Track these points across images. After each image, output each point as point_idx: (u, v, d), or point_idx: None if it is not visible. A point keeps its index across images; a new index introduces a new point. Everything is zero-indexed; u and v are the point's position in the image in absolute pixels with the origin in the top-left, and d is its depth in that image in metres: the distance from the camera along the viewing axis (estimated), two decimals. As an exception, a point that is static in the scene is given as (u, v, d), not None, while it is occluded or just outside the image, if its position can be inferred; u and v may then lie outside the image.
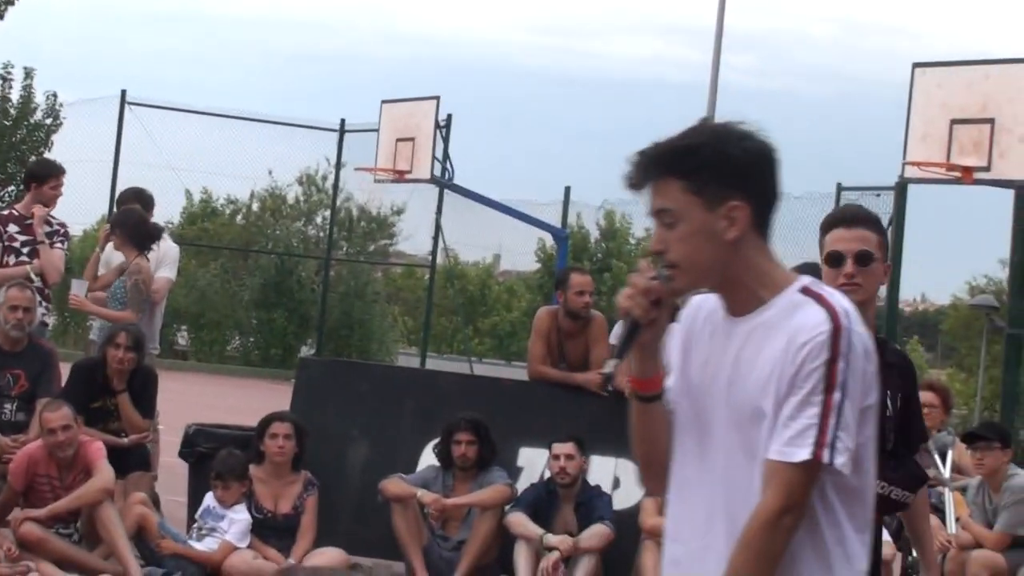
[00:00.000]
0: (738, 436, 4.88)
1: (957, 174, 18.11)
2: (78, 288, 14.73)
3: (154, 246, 14.72)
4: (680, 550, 5.10)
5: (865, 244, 7.09)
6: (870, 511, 4.95)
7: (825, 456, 4.60)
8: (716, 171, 4.85)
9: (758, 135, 4.97)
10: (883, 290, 7.42)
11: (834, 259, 7.07)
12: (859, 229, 7.16)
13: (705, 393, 5.01)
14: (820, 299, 4.79)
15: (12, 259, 14.67)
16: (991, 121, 17.85)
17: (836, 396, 4.67)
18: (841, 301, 4.80)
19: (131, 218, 14.71)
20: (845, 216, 7.46)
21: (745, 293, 4.93)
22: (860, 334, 4.75)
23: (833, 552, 4.87)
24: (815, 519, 4.80)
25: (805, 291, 4.84)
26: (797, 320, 4.75)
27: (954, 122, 18.10)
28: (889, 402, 6.96)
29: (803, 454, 4.59)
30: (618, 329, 14.11)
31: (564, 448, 13.08)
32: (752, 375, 4.79)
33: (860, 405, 4.75)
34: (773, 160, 4.97)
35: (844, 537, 4.87)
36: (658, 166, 4.90)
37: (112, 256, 15.00)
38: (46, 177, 15.19)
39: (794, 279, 4.93)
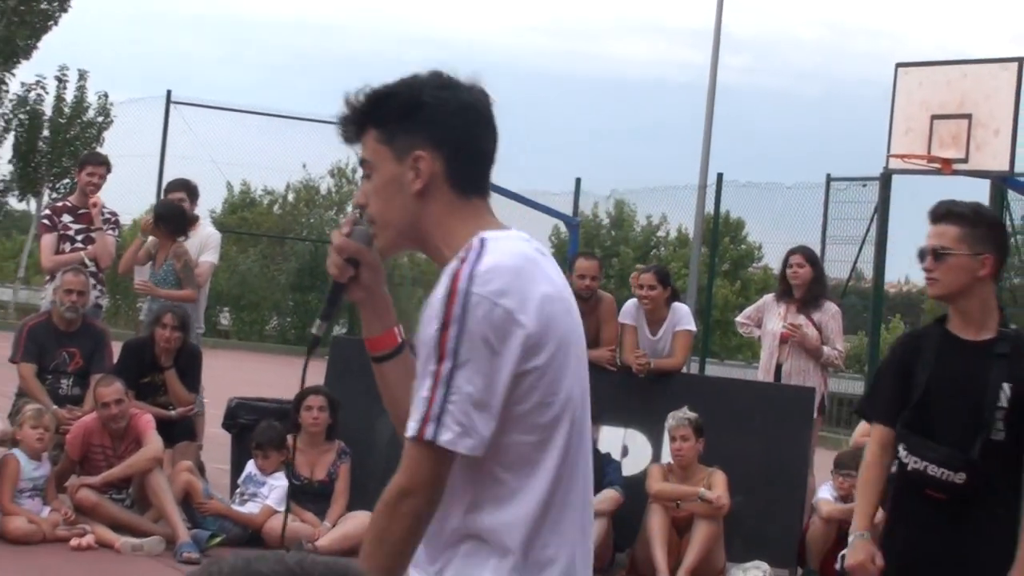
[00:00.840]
0: None
1: (937, 165, 18.10)
2: (141, 274, 14.81)
3: (190, 232, 14.80)
4: None
5: (941, 240, 6.85)
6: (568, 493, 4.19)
7: (428, 432, 4.01)
8: (405, 120, 4.38)
9: (464, 85, 4.42)
10: (868, 272, 7.28)
11: (919, 255, 6.98)
12: (940, 225, 6.93)
13: None
14: (463, 259, 4.15)
15: (67, 246, 14.74)
16: (968, 117, 17.85)
17: (445, 366, 4.08)
18: (485, 260, 4.13)
19: (167, 209, 14.81)
20: (932, 212, 7.10)
21: (434, 251, 4.46)
22: (483, 296, 4.05)
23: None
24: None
25: (466, 248, 4.19)
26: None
27: (934, 118, 18.10)
28: (1001, 392, 6.72)
29: (412, 429, 4.06)
30: (628, 308, 14.22)
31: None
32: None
33: (500, 372, 4.05)
34: (475, 110, 4.43)
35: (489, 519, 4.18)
36: (358, 116, 4.48)
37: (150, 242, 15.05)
38: (82, 165, 15.41)
39: (476, 235, 4.27)
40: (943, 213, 6.96)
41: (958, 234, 6.80)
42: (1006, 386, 6.73)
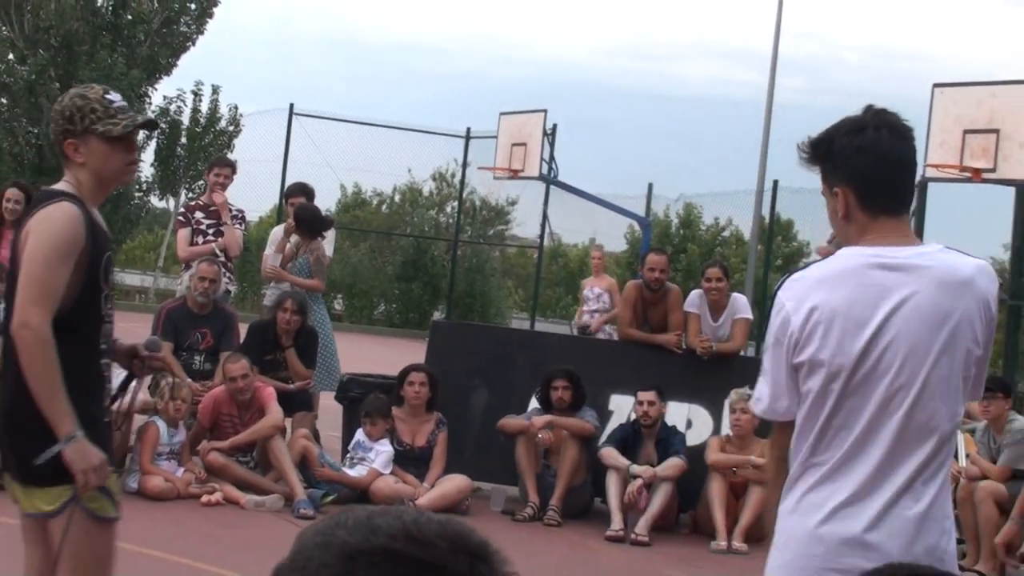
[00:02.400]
0: None
1: (968, 175, 17.96)
2: (274, 260, 14.95)
3: (325, 233, 15.07)
4: None
5: None
6: None
7: None
8: (826, 162, 4.80)
9: (871, 126, 4.74)
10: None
11: None
12: None
13: None
14: None
15: (200, 239, 14.87)
16: (997, 131, 17.70)
17: None
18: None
19: (308, 212, 15.04)
20: None
21: None
22: None
23: None
24: None
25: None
26: None
27: (966, 132, 17.95)
28: None
29: None
30: (693, 298, 14.19)
31: (647, 395, 13.10)
32: None
33: None
34: (870, 151, 4.71)
35: None
36: (807, 158, 4.89)
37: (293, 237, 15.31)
38: (211, 166, 15.77)
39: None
40: None
41: None
42: None
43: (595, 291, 21.70)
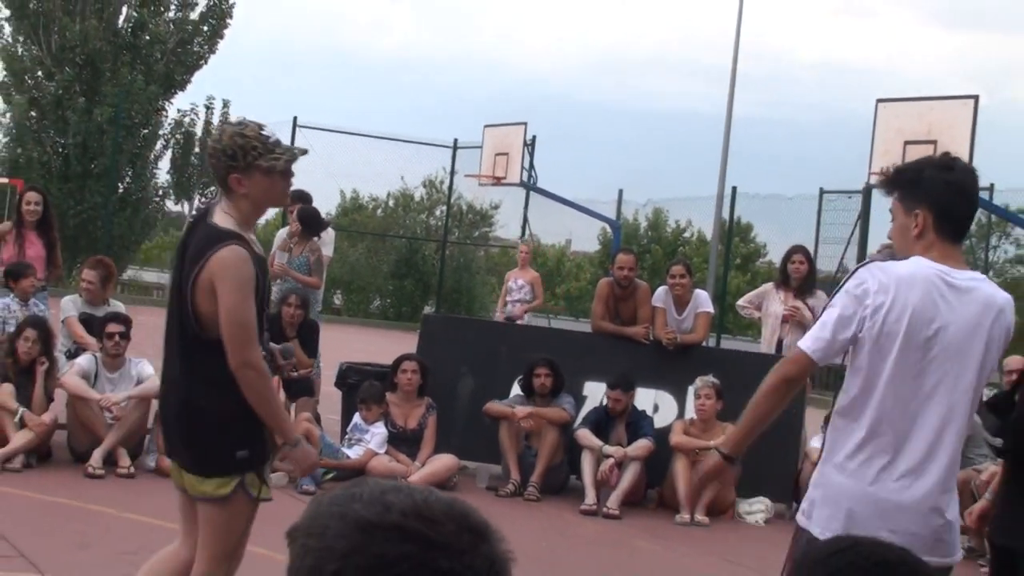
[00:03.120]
0: None
1: (910, 181, 18.03)
2: (280, 258, 14.97)
3: (322, 234, 15.15)
4: None
5: None
6: None
7: None
8: (913, 188, 5.28)
9: (958, 167, 5.33)
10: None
11: None
12: None
13: None
14: None
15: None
16: (935, 143, 17.76)
17: None
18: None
19: (310, 212, 15.12)
20: None
21: None
22: None
23: None
24: None
25: None
26: None
27: (907, 143, 18.01)
28: None
29: None
30: (659, 294, 14.23)
31: (614, 393, 13.17)
32: None
33: None
34: (956, 187, 5.28)
35: None
36: (888, 181, 5.40)
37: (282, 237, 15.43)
38: None
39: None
40: None
41: None
42: None
43: (519, 283, 21.69)
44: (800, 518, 5.27)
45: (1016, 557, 6.49)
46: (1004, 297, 5.21)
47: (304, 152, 6.18)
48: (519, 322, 20.47)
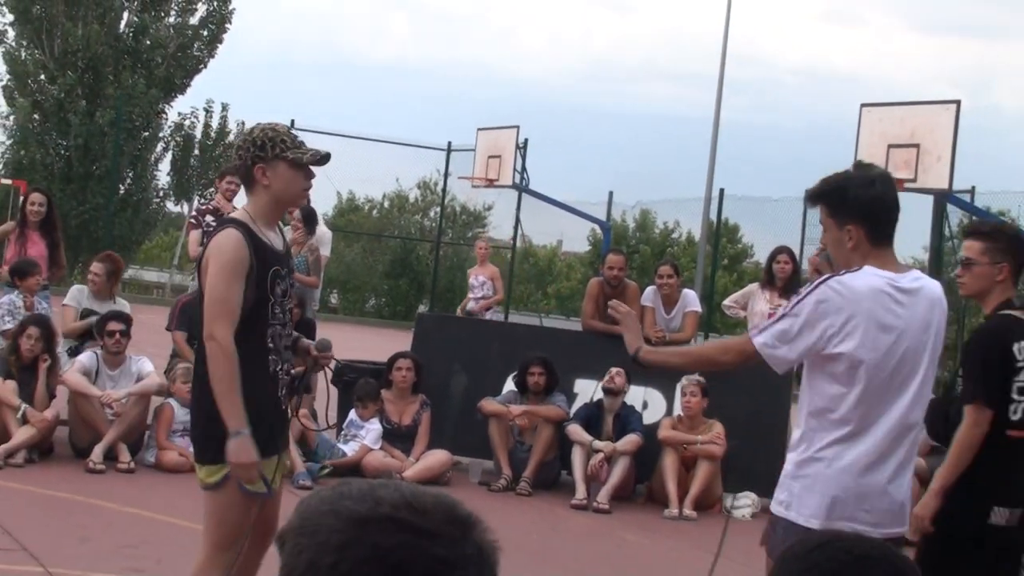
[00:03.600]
0: None
1: (893, 184, 18.05)
2: None
3: (320, 234, 15.34)
4: None
5: (968, 252, 6.79)
6: None
7: None
8: (841, 204, 5.58)
9: (879, 179, 5.62)
10: None
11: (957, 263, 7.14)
12: (968, 240, 6.94)
13: None
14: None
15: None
16: (917, 146, 17.80)
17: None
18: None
19: (308, 210, 15.24)
20: (964, 230, 7.38)
21: None
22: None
23: None
24: None
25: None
26: None
27: (890, 146, 18.03)
28: None
29: None
30: (648, 293, 14.23)
31: (616, 368, 13.14)
32: None
33: None
34: (880, 199, 5.58)
35: None
36: (814, 196, 5.68)
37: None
38: (223, 175, 15.71)
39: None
40: (972, 231, 7.03)
41: (981, 248, 6.72)
42: None
43: (479, 279, 21.58)
44: (778, 508, 5.49)
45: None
46: (938, 286, 5.65)
47: (328, 156, 6.26)
48: (483, 317, 20.38)
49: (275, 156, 6.03)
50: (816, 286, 5.41)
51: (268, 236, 6.12)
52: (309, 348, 6.57)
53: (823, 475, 5.38)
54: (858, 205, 5.52)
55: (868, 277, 5.38)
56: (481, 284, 21.28)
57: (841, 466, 5.36)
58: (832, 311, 5.32)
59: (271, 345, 6.11)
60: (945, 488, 6.52)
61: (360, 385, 13.33)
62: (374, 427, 13.11)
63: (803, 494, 5.41)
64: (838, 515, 5.33)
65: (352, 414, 13.25)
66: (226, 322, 5.90)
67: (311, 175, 6.20)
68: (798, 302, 5.41)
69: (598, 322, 14.38)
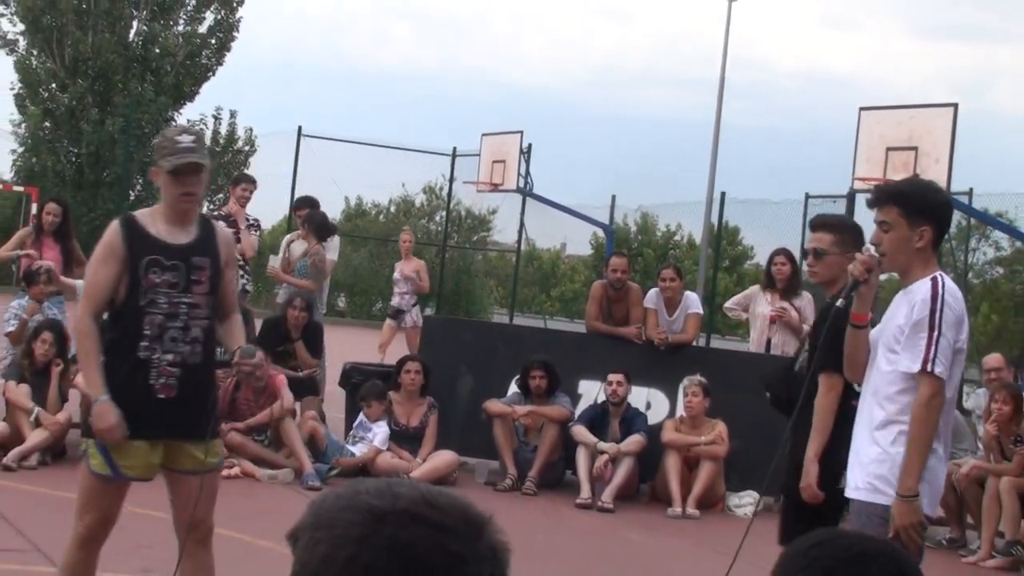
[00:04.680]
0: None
1: (892, 186, 18.04)
2: (274, 262, 15.14)
3: (330, 239, 15.35)
4: None
5: (819, 243, 7.19)
6: None
7: (929, 367, 5.72)
8: (919, 206, 5.86)
9: (949, 200, 6.11)
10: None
11: (804, 253, 7.40)
12: (817, 233, 7.31)
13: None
14: (935, 282, 5.83)
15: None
16: (915, 149, 17.79)
17: (935, 333, 5.75)
18: (949, 286, 5.88)
19: (318, 218, 15.26)
20: (810, 223, 7.60)
21: (911, 277, 5.94)
22: (955, 301, 5.85)
23: None
24: None
25: (932, 278, 5.85)
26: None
27: (889, 149, 18.03)
28: None
29: (919, 366, 5.72)
30: (651, 295, 14.22)
31: (616, 377, 13.17)
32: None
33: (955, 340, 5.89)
34: (949, 205, 6.10)
35: None
36: (888, 195, 5.95)
37: (295, 245, 15.46)
38: (237, 182, 15.95)
39: (937, 271, 5.93)
40: (818, 224, 7.48)
41: (832, 240, 7.21)
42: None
43: (404, 273, 20.43)
44: (871, 495, 5.90)
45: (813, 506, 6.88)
46: None
47: (189, 166, 6.24)
48: (409, 312, 19.80)
49: (156, 162, 6.25)
50: (939, 296, 5.79)
51: (160, 229, 6.29)
52: (233, 353, 6.58)
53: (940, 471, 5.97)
54: (934, 208, 5.91)
55: (951, 282, 5.96)
56: (406, 279, 20.32)
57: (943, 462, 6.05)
58: (958, 319, 5.82)
59: (147, 332, 6.20)
60: (818, 454, 6.82)
61: (366, 387, 13.35)
62: (382, 429, 13.12)
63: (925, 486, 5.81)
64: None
65: (361, 416, 13.26)
66: (87, 304, 6.26)
67: (183, 183, 6.25)
68: (940, 313, 5.76)
69: (601, 324, 14.40)
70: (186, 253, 6.29)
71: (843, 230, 7.33)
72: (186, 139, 6.22)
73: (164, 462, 6.42)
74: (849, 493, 6.02)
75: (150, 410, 6.23)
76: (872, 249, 5.99)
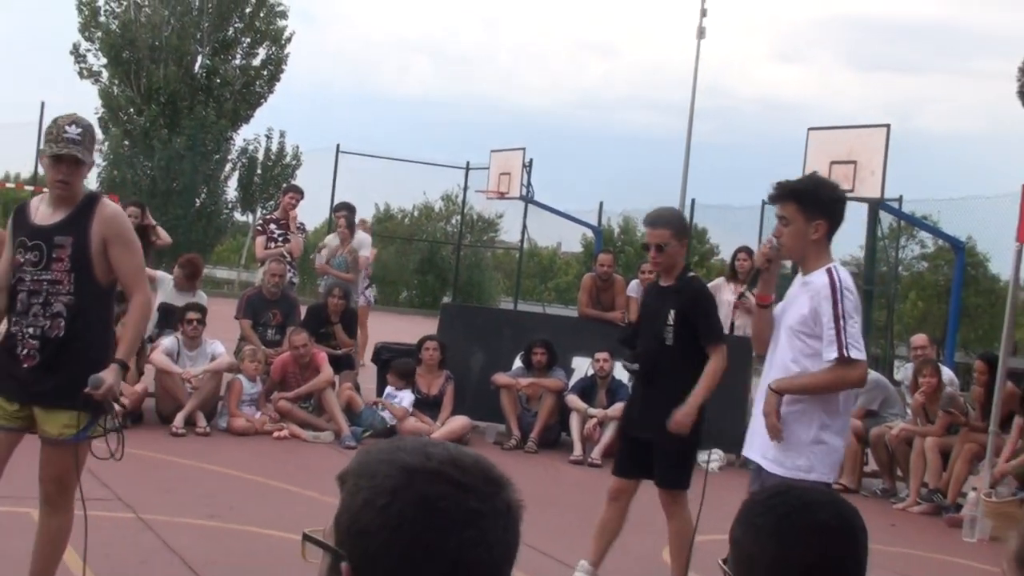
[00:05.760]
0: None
1: (835, 194, 18.02)
2: (320, 260, 15.24)
3: (361, 238, 15.57)
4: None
5: (660, 239, 7.12)
6: None
7: (846, 352, 5.55)
8: (814, 201, 5.64)
9: (832, 184, 5.92)
10: (788, 263, 7.57)
11: (645, 247, 7.34)
12: (657, 229, 7.18)
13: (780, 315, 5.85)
14: (831, 272, 5.60)
15: (272, 244, 14.87)
16: (854, 162, 17.75)
17: (841, 321, 5.53)
18: (843, 275, 5.66)
19: (352, 217, 15.38)
20: (648, 222, 7.37)
21: (808, 266, 5.73)
22: (850, 290, 5.62)
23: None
24: None
25: (828, 268, 5.63)
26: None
27: (832, 163, 17.98)
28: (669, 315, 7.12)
29: (835, 353, 5.52)
30: (632, 286, 14.19)
31: (603, 354, 13.17)
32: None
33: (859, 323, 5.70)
34: (843, 201, 5.80)
35: None
36: (787, 193, 5.68)
37: (330, 239, 15.60)
38: (286, 191, 15.84)
39: (832, 263, 5.73)
40: (652, 219, 7.30)
41: (670, 234, 7.15)
42: (672, 312, 7.11)
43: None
44: (772, 465, 5.76)
45: (644, 445, 7.20)
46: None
47: (59, 156, 5.62)
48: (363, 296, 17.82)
49: (45, 143, 5.71)
50: (836, 284, 5.58)
51: (40, 211, 5.80)
52: (88, 383, 5.65)
53: (838, 443, 5.78)
54: (828, 204, 5.66)
55: (844, 271, 5.70)
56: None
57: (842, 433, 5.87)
58: (856, 305, 5.62)
59: (17, 307, 5.75)
60: (700, 405, 7.19)
61: (401, 362, 13.38)
62: (407, 396, 13.13)
63: (824, 452, 5.70)
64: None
65: (389, 389, 13.27)
66: None
67: (55, 171, 5.65)
68: (841, 304, 5.55)
69: (591, 310, 14.46)
70: (49, 233, 5.70)
71: (679, 225, 7.27)
72: (73, 130, 5.64)
73: (34, 426, 5.84)
74: (752, 456, 5.91)
75: (16, 378, 5.76)
76: (774, 241, 5.79)
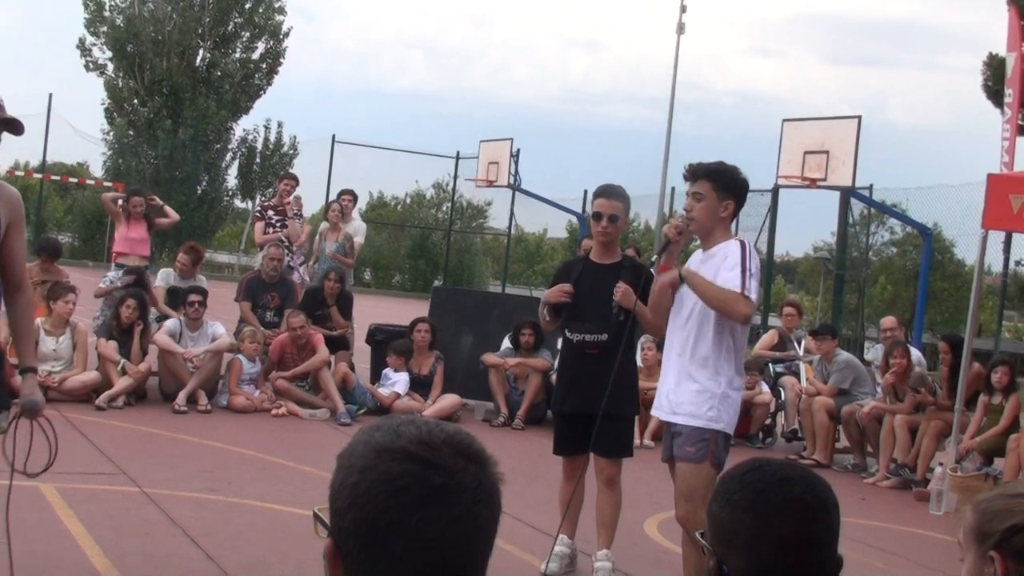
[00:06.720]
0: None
1: (807, 183, 18.00)
2: (330, 247, 15.23)
3: (356, 225, 15.50)
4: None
5: (615, 211, 7.18)
6: None
7: (746, 290, 5.81)
8: (728, 183, 5.89)
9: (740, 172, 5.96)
10: (764, 247, 7.65)
11: (596, 216, 7.29)
12: (612, 200, 7.18)
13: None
14: (741, 242, 5.94)
15: (271, 230, 14.83)
16: (827, 152, 17.75)
17: (746, 274, 5.79)
18: (747, 243, 5.98)
19: (347, 203, 15.57)
20: (598, 193, 7.32)
21: (712, 241, 5.98)
22: (755, 253, 5.96)
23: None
24: None
25: (738, 239, 5.98)
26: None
27: (806, 153, 17.99)
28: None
29: (740, 289, 5.81)
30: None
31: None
32: None
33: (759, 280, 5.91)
34: (747, 184, 6.00)
35: None
36: (702, 172, 5.91)
37: (322, 225, 15.64)
38: (281, 178, 15.88)
39: (737, 236, 6.04)
40: (608, 191, 7.25)
41: (623, 208, 7.26)
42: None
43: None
44: (690, 419, 6.03)
45: (581, 419, 7.05)
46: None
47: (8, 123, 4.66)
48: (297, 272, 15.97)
49: None
50: (747, 249, 5.86)
51: None
52: (25, 410, 4.90)
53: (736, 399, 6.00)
54: (739, 186, 5.93)
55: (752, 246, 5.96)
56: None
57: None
58: (760, 273, 5.90)
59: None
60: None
61: (399, 342, 13.37)
62: (402, 377, 13.12)
63: (723, 409, 5.94)
64: None
65: (387, 370, 13.26)
66: None
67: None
68: (749, 260, 5.78)
69: (576, 293, 14.41)
70: None
71: (628, 203, 7.29)
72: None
73: None
74: (662, 415, 6.22)
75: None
76: (686, 215, 5.99)
